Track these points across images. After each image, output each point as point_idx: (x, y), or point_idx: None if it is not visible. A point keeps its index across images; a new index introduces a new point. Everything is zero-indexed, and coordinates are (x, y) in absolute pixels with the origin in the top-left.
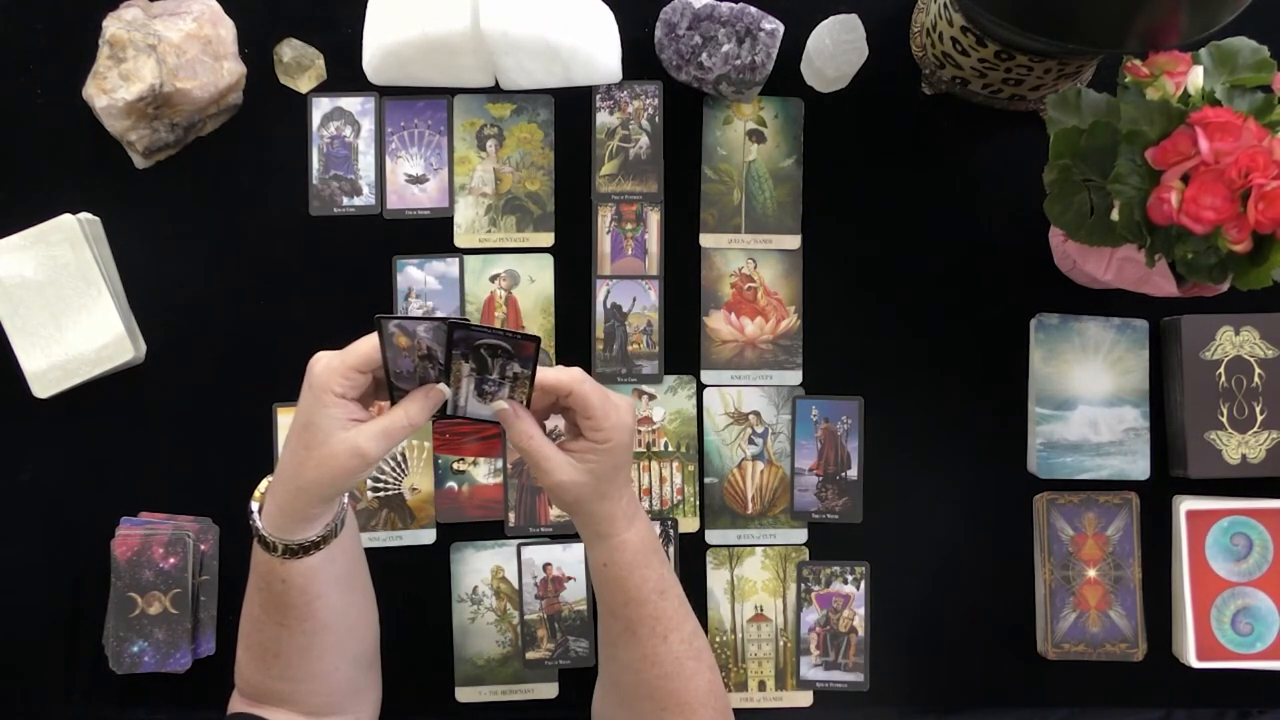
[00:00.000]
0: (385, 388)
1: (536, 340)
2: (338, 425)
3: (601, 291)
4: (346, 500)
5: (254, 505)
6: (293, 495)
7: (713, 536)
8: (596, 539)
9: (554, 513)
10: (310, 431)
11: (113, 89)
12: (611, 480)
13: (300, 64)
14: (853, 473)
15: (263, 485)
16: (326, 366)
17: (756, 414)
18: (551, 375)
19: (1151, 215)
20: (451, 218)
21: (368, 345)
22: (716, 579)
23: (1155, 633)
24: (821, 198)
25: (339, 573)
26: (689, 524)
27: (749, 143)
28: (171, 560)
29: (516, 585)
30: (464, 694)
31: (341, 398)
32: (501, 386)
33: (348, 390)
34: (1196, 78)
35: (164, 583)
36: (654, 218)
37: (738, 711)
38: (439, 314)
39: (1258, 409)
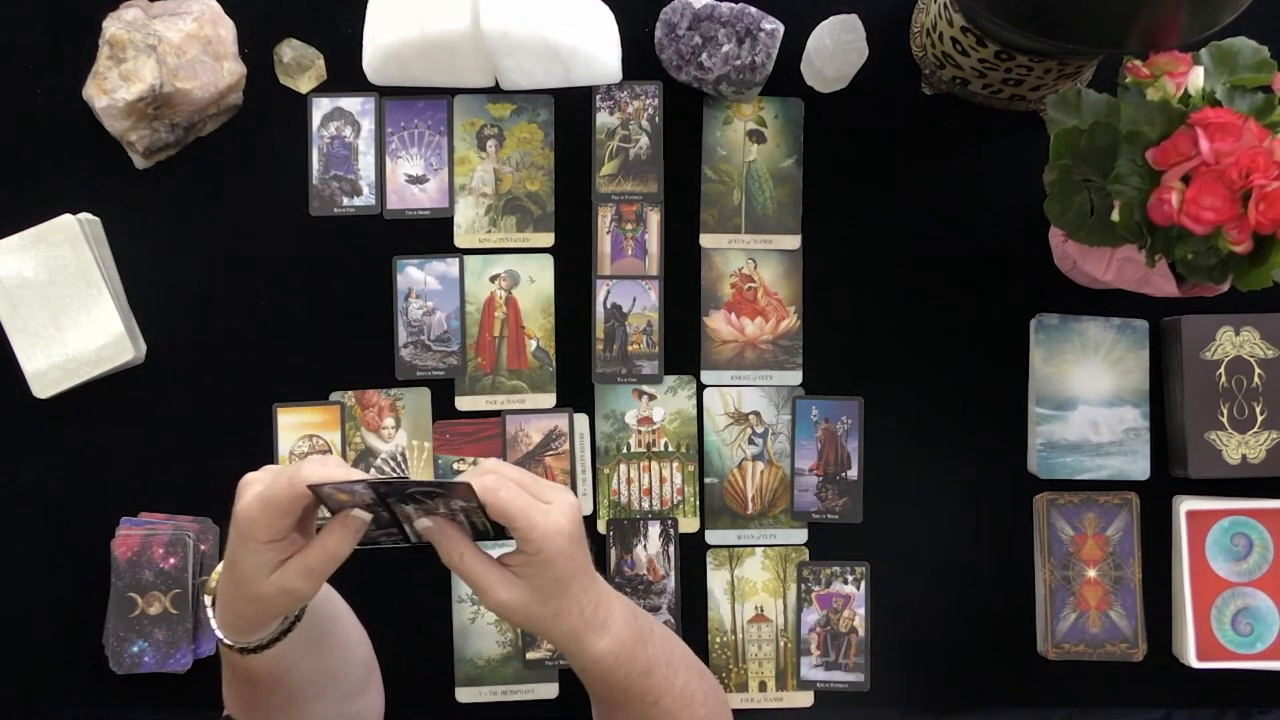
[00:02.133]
0: (316, 513)
1: (467, 485)
2: (265, 568)
3: (601, 291)
4: None
5: (207, 599)
6: (236, 617)
7: (713, 537)
8: (566, 653)
9: None
10: (239, 571)
11: (113, 89)
12: (560, 594)
13: (300, 64)
14: (853, 473)
15: (216, 573)
16: (249, 516)
17: (756, 414)
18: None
19: (1152, 216)
20: (451, 218)
21: (290, 487)
22: (716, 579)
23: (1155, 633)
24: (821, 198)
25: (308, 641)
26: (689, 524)
27: (749, 143)
28: (171, 560)
29: None
30: (464, 694)
31: (269, 542)
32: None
33: (274, 535)
34: (1197, 78)
35: (164, 583)
36: (654, 218)
37: (739, 712)
38: (366, 475)
39: (1258, 409)
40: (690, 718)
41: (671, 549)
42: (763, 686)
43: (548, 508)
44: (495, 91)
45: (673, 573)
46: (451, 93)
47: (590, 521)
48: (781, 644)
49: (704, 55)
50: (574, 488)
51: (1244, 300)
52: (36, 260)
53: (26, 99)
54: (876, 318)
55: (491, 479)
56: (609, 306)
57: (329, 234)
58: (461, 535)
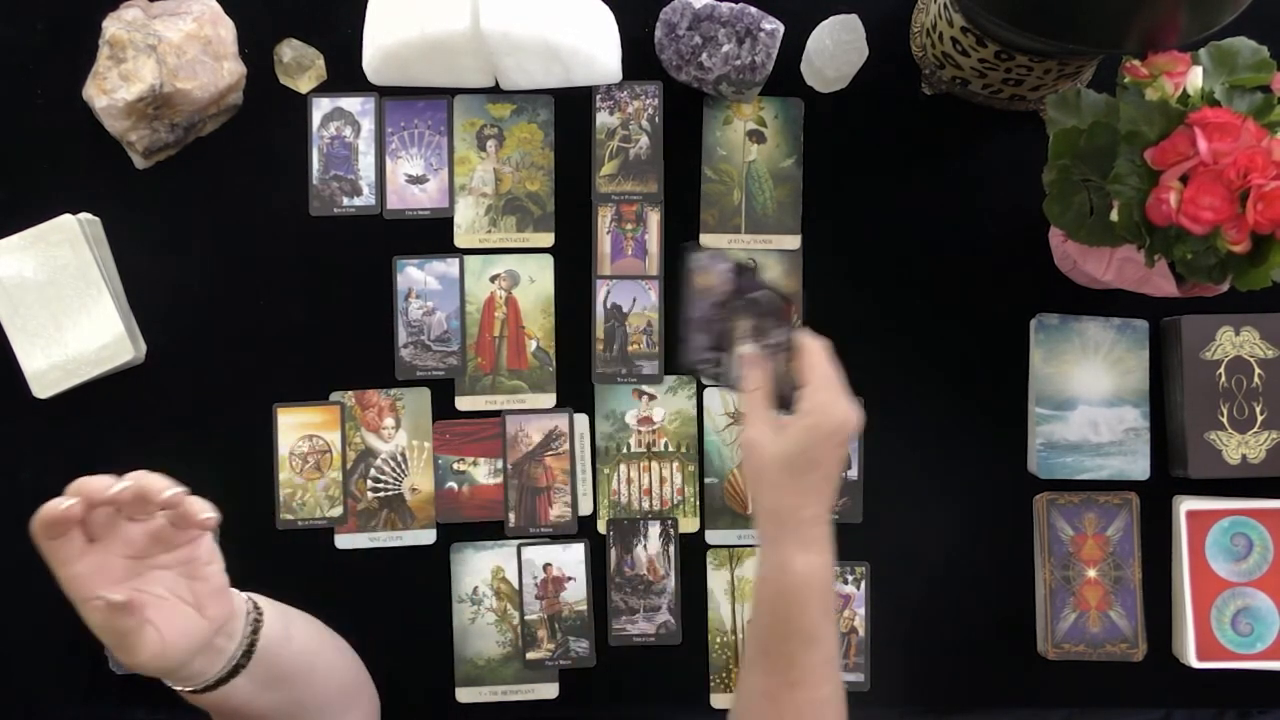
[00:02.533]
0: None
1: (791, 306)
2: (105, 635)
3: (601, 292)
4: (261, 607)
5: None
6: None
7: (713, 537)
8: (764, 541)
9: (554, 513)
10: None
11: (113, 89)
12: (799, 473)
13: (300, 64)
14: (853, 473)
15: None
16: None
17: None
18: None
19: (1151, 216)
20: (451, 218)
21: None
22: (717, 579)
23: (1155, 633)
24: (821, 198)
25: (262, 681)
26: (689, 524)
27: (749, 143)
28: None
29: (516, 585)
30: (464, 694)
31: (109, 606)
32: (770, 350)
33: (64, 558)
34: (1196, 78)
35: None
36: (654, 218)
37: None
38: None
39: (1258, 409)
40: None
41: (671, 549)
42: None
43: (845, 396)
44: (495, 91)
45: (673, 573)
46: (451, 93)
47: (590, 521)
48: None
49: (704, 55)
50: (574, 488)
51: (1244, 300)
52: (36, 260)
53: (26, 99)
54: (876, 318)
55: (822, 343)
56: (609, 306)
57: (329, 234)
58: (767, 376)
